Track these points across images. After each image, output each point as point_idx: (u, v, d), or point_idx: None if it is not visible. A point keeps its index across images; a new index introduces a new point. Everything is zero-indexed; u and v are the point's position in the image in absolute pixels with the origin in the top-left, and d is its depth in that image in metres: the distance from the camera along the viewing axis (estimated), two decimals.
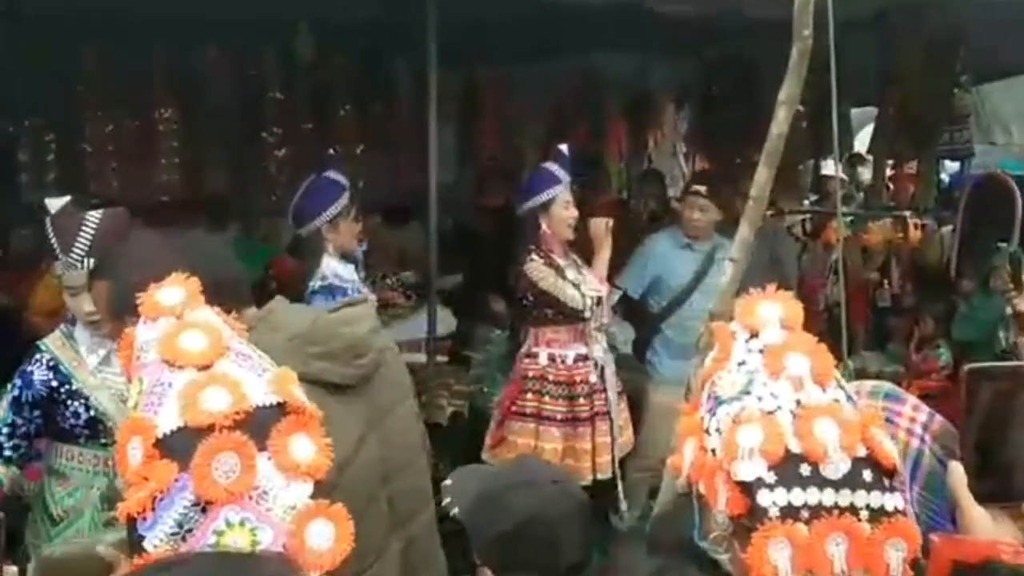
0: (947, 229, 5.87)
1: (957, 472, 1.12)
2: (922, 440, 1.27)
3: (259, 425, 1.08)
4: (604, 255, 3.94)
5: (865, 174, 6.80)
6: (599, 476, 3.84)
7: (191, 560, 0.97)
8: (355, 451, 1.83)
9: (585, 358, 3.87)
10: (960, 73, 4.97)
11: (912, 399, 1.33)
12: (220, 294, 1.69)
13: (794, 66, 1.93)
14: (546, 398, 3.83)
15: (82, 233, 2.42)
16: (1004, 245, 4.55)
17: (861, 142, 6.45)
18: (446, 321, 4.72)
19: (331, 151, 5.03)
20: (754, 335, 1.14)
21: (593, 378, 3.87)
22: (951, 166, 6.70)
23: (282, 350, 1.71)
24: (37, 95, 4.57)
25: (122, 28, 4.31)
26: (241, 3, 3.89)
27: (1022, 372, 1.16)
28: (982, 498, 1.11)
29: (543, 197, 3.85)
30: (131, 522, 1.06)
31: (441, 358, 4.48)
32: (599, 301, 3.85)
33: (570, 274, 3.85)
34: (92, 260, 2.39)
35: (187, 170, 4.93)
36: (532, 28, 4.59)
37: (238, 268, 1.90)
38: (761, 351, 1.12)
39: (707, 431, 1.12)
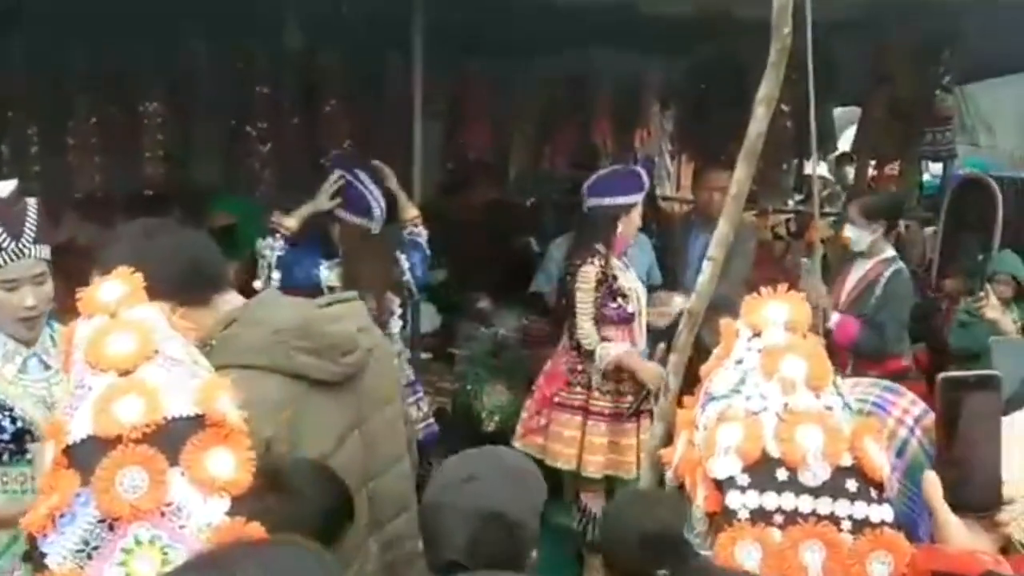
0: (929, 230, 5.90)
1: (932, 481, 1.10)
2: (911, 431, 1.28)
3: (172, 438, 1.03)
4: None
5: (852, 174, 6.82)
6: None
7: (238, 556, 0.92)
8: (334, 449, 1.83)
9: None
10: (944, 74, 4.99)
11: (911, 395, 1.34)
12: (189, 283, 1.70)
13: (772, 65, 1.94)
14: (595, 392, 3.89)
15: (29, 219, 2.22)
16: (1004, 252, 4.52)
17: (846, 141, 6.47)
18: (431, 318, 4.72)
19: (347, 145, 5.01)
20: (757, 334, 1.14)
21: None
22: (933, 167, 6.72)
23: (266, 343, 1.72)
24: (20, 88, 4.54)
25: (107, 21, 4.29)
26: None
27: (993, 380, 1.13)
28: (957, 508, 1.09)
29: (628, 199, 3.87)
30: (32, 539, 1.01)
31: (425, 355, 4.48)
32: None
33: (622, 279, 3.89)
34: (39, 248, 2.22)
35: (171, 164, 4.90)
36: (519, 26, 4.59)
37: (211, 256, 1.88)
38: (760, 351, 1.12)
39: (697, 426, 1.13)
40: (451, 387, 4.63)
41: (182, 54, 4.82)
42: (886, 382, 1.40)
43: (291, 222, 3.51)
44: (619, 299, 3.86)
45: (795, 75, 2.67)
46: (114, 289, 1.14)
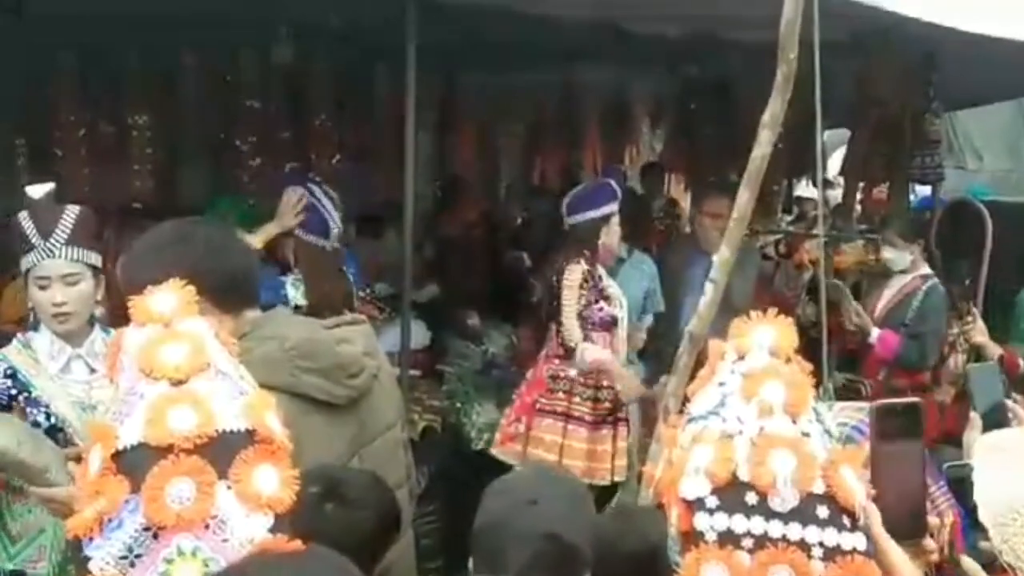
0: None
1: (871, 511, 1.09)
2: None
3: (223, 451, 1.03)
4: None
5: (835, 196, 6.85)
6: (616, 478, 4.00)
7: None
8: None
9: None
10: (932, 98, 5.02)
11: None
12: (229, 290, 1.70)
13: (778, 88, 1.93)
14: (576, 398, 3.98)
15: (63, 221, 2.37)
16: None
17: (835, 163, 6.51)
18: (420, 335, 4.68)
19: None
20: (741, 357, 1.13)
21: (617, 385, 3.99)
22: (920, 190, 6.77)
23: (273, 360, 1.70)
24: (7, 98, 4.49)
25: (95, 33, 4.26)
26: (218, 9, 3.86)
27: (917, 407, 1.15)
28: (895, 535, 1.09)
29: (605, 211, 4.04)
30: (77, 540, 1.02)
31: (414, 372, 4.44)
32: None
33: (611, 291, 4.03)
34: (71, 249, 2.35)
35: (160, 177, 4.86)
36: (511, 43, 4.60)
37: (251, 265, 1.90)
38: (742, 374, 1.11)
39: (677, 446, 1.12)
40: (440, 405, 4.59)
41: (171, 67, 4.78)
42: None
43: (258, 241, 3.43)
44: (603, 301, 3.97)
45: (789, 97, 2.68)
46: (167, 299, 1.14)
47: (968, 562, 1.23)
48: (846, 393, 4.43)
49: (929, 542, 1.15)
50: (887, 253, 4.39)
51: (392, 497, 1.74)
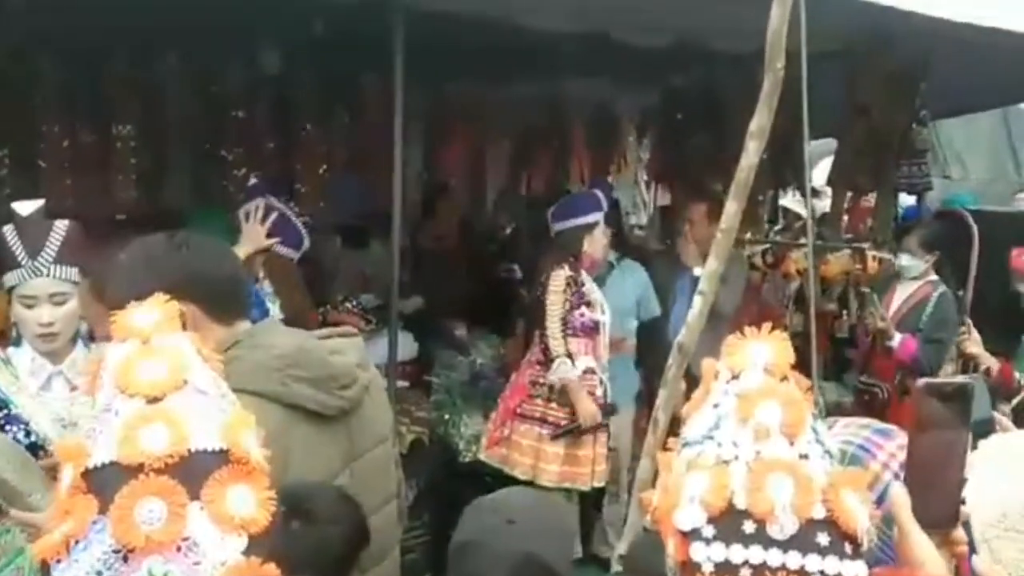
0: None
1: (900, 494, 1.07)
2: (896, 476, 1.25)
3: (196, 471, 1.00)
4: None
5: (820, 206, 6.87)
6: (596, 484, 4.08)
7: None
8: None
9: (592, 372, 4.08)
10: (920, 108, 5.03)
11: (901, 439, 1.30)
12: (225, 299, 1.70)
13: (765, 98, 1.92)
14: (552, 404, 4.06)
15: (51, 239, 2.32)
16: None
17: (821, 172, 6.52)
18: (408, 346, 4.66)
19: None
20: (736, 376, 1.09)
21: (598, 391, 4.09)
22: (907, 200, 6.79)
23: (264, 368, 1.68)
24: None
25: (80, 42, 4.22)
26: (204, 18, 3.83)
27: (967, 390, 1.10)
28: (925, 523, 1.06)
29: (589, 219, 4.16)
30: (45, 564, 0.98)
31: (402, 383, 4.42)
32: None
33: (593, 297, 4.11)
34: (58, 268, 2.31)
35: (144, 187, 4.82)
36: (499, 54, 4.59)
37: (244, 276, 1.91)
38: (736, 395, 1.07)
39: (672, 472, 1.08)
40: (428, 417, 4.56)
41: (156, 76, 4.75)
42: (879, 424, 1.37)
43: (242, 253, 3.34)
44: (584, 307, 4.04)
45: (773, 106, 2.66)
46: (149, 315, 1.11)
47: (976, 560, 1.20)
48: (862, 395, 4.53)
49: (960, 532, 1.10)
50: (903, 260, 4.50)
51: (359, 509, 1.72)
